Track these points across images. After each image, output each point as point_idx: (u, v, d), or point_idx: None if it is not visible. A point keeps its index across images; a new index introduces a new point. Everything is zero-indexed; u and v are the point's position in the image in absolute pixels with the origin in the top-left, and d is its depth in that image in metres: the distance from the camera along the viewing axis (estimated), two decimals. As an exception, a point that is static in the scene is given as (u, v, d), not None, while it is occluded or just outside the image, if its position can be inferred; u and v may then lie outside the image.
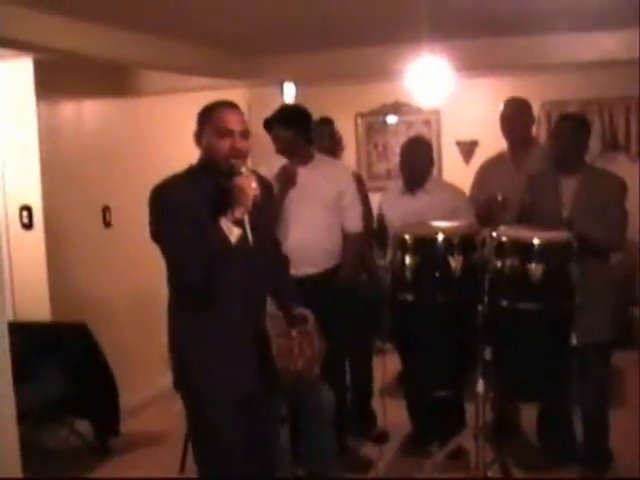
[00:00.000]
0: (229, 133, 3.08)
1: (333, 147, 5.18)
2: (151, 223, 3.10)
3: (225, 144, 3.07)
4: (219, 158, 3.08)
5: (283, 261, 3.58)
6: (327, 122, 5.29)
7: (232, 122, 3.10)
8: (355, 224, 4.69)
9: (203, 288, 3.05)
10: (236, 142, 3.08)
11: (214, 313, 3.12)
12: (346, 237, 4.66)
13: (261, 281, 3.27)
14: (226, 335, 3.13)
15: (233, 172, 3.04)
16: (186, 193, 3.06)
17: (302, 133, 4.65)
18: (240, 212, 3.00)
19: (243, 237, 3.04)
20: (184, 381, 3.20)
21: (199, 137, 3.16)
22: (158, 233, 3.09)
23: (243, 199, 3.00)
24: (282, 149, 4.69)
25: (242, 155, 3.10)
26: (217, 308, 3.11)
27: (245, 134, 3.13)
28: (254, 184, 3.03)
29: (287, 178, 4.54)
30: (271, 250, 3.41)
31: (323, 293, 4.36)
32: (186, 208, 3.01)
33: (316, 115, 5.35)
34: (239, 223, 3.01)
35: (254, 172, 3.17)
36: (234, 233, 2.99)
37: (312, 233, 4.56)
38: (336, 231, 4.65)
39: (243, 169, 3.06)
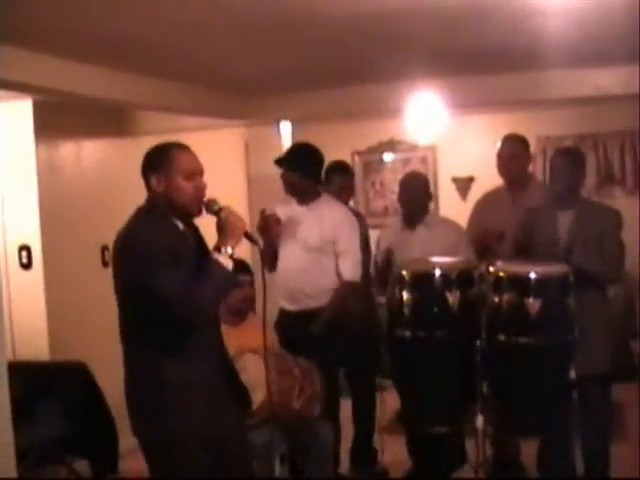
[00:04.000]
0: (193, 174, 3.11)
1: (344, 192, 5.23)
2: (122, 272, 3.06)
3: (190, 185, 3.10)
4: (187, 199, 3.10)
5: None
6: (342, 170, 5.36)
7: (195, 163, 3.15)
8: (347, 272, 4.63)
9: (191, 328, 3.04)
10: (200, 182, 3.14)
11: (186, 350, 3.07)
12: (340, 283, 4.65)
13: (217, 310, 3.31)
14: (198, 373, 3.09)
15: (208, 210, 3.11)
16: (157, 235, 3.03)
17: (309, 175, 4.68)
18: (233, 244, 3.05)
19: None
20: (150, 426, 3.13)
21: (158, 178, 3.11)
22: (137, 279, 2.98)
23: (237, 233, 3.06)
24: (288, 190, 4.73)
25: (204, 194, 3.14)
26: (190, 345, 3.07)
27: (202, 173, 3.18)
28: (241, 218, 3.10)
29: (266, 228, 4.60)
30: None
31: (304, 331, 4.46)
32: (163, 249, 2.98)
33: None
34: (232, 257, 3.05)
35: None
36: (230, 266, 3.03)
37: (292, 272, 4.64)
38: (320, 274, 4.62)
39: (217, 207, 3.11)
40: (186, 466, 3.10)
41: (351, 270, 4.64)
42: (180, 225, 3.13)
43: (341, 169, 5.35)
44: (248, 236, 3.17)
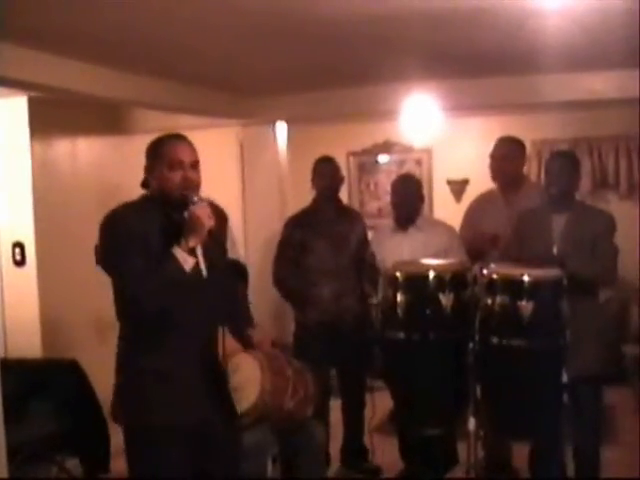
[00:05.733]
0: (180, 165, 3.08)
1: (333, 186, 5.17)
2: (101, 250, 3.09)
3: (176, 176, 3.07)
4: (171, 190, 3.08)
5: (238, 287, 3.60)
6: (328, 161, 5.28)
7: (182, 154, 3.11)
8: None
9: (155, 319, 3.03)
10: (187, 173, 3.09)
11: (164, 344, 3.08)
12: None
13: (214, 312, 3.24)
14: (174, 367, 3.10)
15: (186, 203, 3.05)
16: (138, 223, 3.05)
17: None
18: (194, 241, 3.02)
19: (196, 268, 3.05)
20: (127, 412, 3.18)
21: (150, 170, 3.16)
22: (108, 262, 3.07)
23: (199, 228, 3.01)
24: None
25: (193, 186, 3.10)
26: (168, 339, 3.08)
27: (195, 165, 3.14)
28: (210, 214, 3.05)
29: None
30: (225, 279, 3.37)
31: None
32: (138, 238, 3.00)
33: (308, 154, 5.40)
34: (193, 253, 3.02)
35: (209, 202, 3.17)
36: (188, 262, 3.00)
37: None
38: None
39: (196, 198, 3.06)
40: (156, 457, 3.13)
41: None
42: (175, 215, 3.09)
43: (323, 159, 5.29)
44: (211, 235, 3.08)
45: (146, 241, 3.02)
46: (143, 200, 3.19)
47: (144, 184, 3.18)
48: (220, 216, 3.33)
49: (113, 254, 3.06)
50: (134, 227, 3.03)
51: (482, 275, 3.66)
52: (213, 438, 3.24)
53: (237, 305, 3.58)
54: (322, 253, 5.01)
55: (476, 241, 4.74)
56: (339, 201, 5.26)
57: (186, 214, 3.04)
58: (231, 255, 3.74)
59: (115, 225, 3.07)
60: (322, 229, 5.04)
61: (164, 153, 3.12)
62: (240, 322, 3.52)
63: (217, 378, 3.27)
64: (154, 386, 3.08)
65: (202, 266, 3.12)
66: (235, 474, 3.38)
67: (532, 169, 7.46)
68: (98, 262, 3.13)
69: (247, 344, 3.46)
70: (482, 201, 5.07)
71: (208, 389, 3.21)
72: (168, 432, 3.10)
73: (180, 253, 2.99)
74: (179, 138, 3.20)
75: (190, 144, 3.20)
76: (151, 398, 3.09)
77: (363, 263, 4.96)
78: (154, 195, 3.16)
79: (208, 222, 3.03)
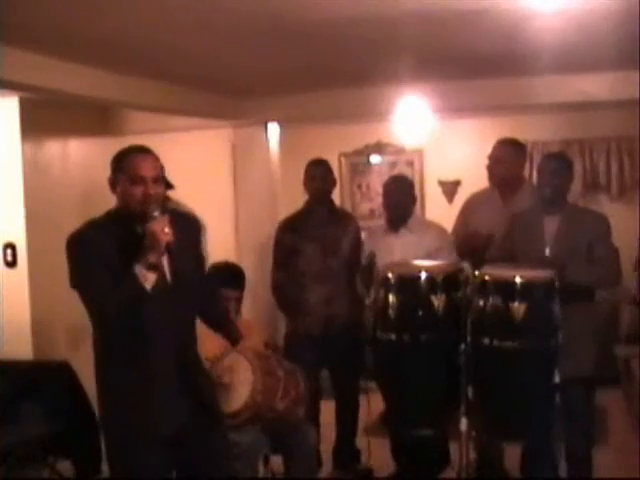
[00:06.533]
0: (141, 180, 3.05)
1: (326, 189, 5.17)
2: (70, 271, 3.08)
3: (138, 191, 3.05)
4: (132, 205, 3.06)
5: (210, 289, 3.64)
6: (320, 163, 5.26)
7: (144, 169, 3.07)
8: None
9: (123, 335, 3.05)
10: (149, 189, 3.05)
11: (136, 358, 3.10)
12: None
13: (186, 321, 3.26)
14: (148, 379, 3.11)
15: (146, 218, 3.01)
16: (101, 240, 3.04)
17: None
18: (154, 257, 2.98)
19: (161, 281, 3.04)
20: (106, 425, 3.23)
21: (113, 184, 3.13)
22: (77, 281, 3.07)
23: (156, 244, 2.97)
24: None
25: (155, 201, 3.07)
26: (141, 355, 3.10)
27: (157, 180, 3.11)
28: (167, 228, 3.00)
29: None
30: (197, 286, 3.34)
31: None
32: (101, 255, 3.00)
33: (300, 155, 5.40)
34: (154, 268, 2.99)
35: (172, 212, 3.15)
36: (149, 279, 2.97)
37: None
38: None
39: (155, 213, 3.02)
40: (135, 463, 3.14)
41: None
42: (138, 229, 3.06)
43: (315, 161, 5.28)
44: (170, 250, 3.04)
45: (109, 259, 3.00)
46: (107, 216, 3.17)
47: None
48: (191, 225, 3.37)
49: (77, 274, 3.06)
50: (96, 246, 3.02)
51: (474, 276, 3.66)
52: (194, 442, 3.24)
53: (210, 304, 3.59)
54: (312, 256, 5.01)
55: (468, 239, 4.74)
56: (332, 203, 5.25)
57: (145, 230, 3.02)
58: None
59: (77, 246, 3.08)
60: (314, 232, 5.04)
61: (126, 167, 3.09)
62: (215, 317, 3.62)
63: (194, 382, 3.27)
64: (130, 396, 3.10)
65: (168, 277, 3.11)
66: (219, 476, 3.38)
67: (524, 170, 7.45)
68: (71, 284, 3.11)
69: (229, 337, 3.61)
70: (479, 199, 5.06)
71: (184, 394, 3.21)
72: (145, 439, 3.11)
73: (140, 270, 2.96)
74: (143, 151, 3.16)
75: (154, 158, 3.16)
76: (127, 407, 3.11)
77: (356, 265, 4.96)
78: (117, 209, 3.16)
79: (164, 237, 2.98)
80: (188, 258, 3.26)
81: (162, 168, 3.17)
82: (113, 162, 3.15)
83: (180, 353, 3.20)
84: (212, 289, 3.70)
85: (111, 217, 3.16)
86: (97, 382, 3.23)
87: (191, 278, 3.26)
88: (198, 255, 3.48)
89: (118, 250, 3.02)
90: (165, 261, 3.08)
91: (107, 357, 3.16)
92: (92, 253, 3.01)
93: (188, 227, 3.30)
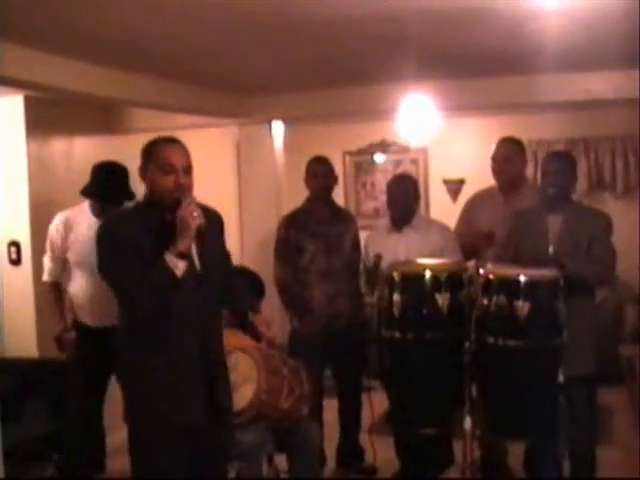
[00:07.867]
0: (172, 169, 3.10)
1: (327, 187, 5.16)
2: (99, 259, 3.13)
3: (169, 180, 3.09)
4: (163, 194, 3.10)
5: (236, 277, 3.66)
6: (321, 161, 5.25)
7: (175, 158, 3.12)
8: None
9: (153, 322, 3.08)
10: (179, 178, 3.10)
11: (163, 347, 3.13)
12: None
13: (214, 310, 3.30)
14: (173, 368, 3.14)
15: (178, 206, 3.05)
16: (131, 229, 3.09)
17: None
18: (184, 244, 3.02)
19: (191, 268, 3.08)
20: (130, 413, 3.27)
21: (143, 173, 3.18)
22: (106, 269, 3.13)
23: (186, 231, 3.02)
24: None
25: (186, 190, 3.12)
26: (167, 342, 3.13)
27: (188, 169, 3.15)
28: (196, 213, 3.04)
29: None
30: (224, 275, 3.40)
31: None
32: (132, 244, 3.03)
33: (304, 154, 5.39)
34: (184, 256, 3.03)
35: (197, 202, 3.16)
36: (179, 267, 3.01)
37: None
38: None
39: (187, 202, 3.07)
40: (157, 452, 3.18)
41: None
42: (168, 217, 3.10)
43: (316, 159, 5.27)
44: (201, 233, 3.09)
45: (139, 246, 3.04)
46: (138, 205, 3.25)
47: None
48: (216, 218, 3.38)
49: (107, 263, 3.11)
50: (126, 233, 3.07)
51: (478, 275, 3.66)
52: (206, 437, 3.26)
53: (237, 292, 3.60)
54: (315, 254, 5.01)
55: (471, 237, 4.74)
56: (332, 201, 5.25)
57: (176, 218, 3.06)
58: None
59: (107, 233, 3.13)
60: (315, 229, 5.03)
61: (157, 156, 3.13)
62: (240, 306, 3.61)
63: (213, 373, 3.28)
64: (154, 381, 3.13)
65: (197, 266, 3.14)
66: (224, 472, 3.39)
67: (528, 169, 7.43)
68: (99, 271, 3.18)
69: (250, 331, 3.59)
70: (481, 198, 5.05)
71: (203, 383, 3.23)
72: (169, 426, 3.14)
73: (171, 258, 3.00)
74: (173, 141, 3.21)
75: (184, 148, 3.20)
76: (151, 393, 3.14)
77: (357, 264, 4.97)
78: (147, 198, 3.20)
79: (194, 221, 3.03)
80: (215, 249, 3.31)
81: (190, 158, 3.20)
82: (144, 151, 3.19)
83: (204, 342, 3.23)
84: (239, 283, 3.70)
85: (141, 206, 3.22)
86: (121, 367, 3.30)
87: (219, 268, 3.32)
88: (224, 247, 3.52)
89: (148, 238, 3.06)
90: (194, 250, 3.12)
91: (134, 343, 3.17)
92: (122, 240, 3.05)
93: (213, 220, 3.32)
